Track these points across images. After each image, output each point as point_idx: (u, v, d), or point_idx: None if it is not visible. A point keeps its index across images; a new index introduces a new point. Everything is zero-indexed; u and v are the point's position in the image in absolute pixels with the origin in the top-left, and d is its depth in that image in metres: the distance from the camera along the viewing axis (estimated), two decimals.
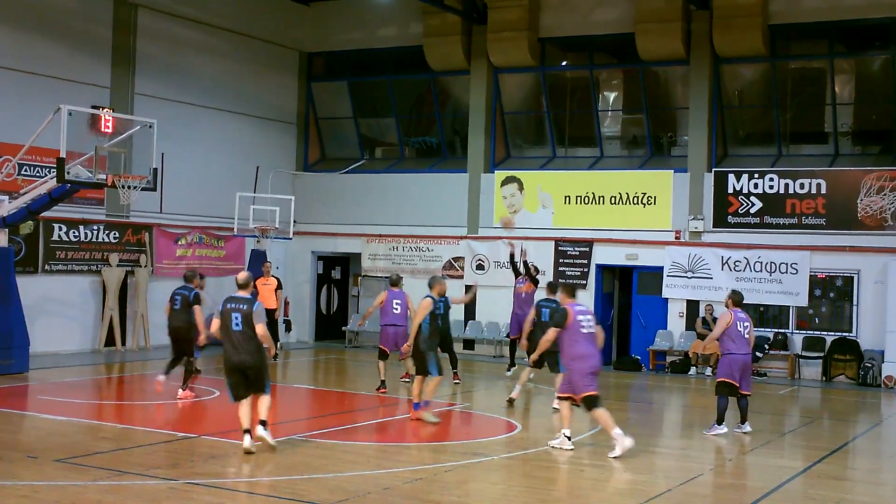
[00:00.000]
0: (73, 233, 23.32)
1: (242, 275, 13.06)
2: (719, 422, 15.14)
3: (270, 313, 23.31)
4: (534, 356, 15.56)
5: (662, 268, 24.59)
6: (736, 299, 15.24)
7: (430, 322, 15.09)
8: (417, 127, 29.97)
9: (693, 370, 23.65)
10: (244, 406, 12.49)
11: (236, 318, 12.53)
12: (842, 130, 24.67)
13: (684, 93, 25.58)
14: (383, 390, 18.20)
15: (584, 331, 13.39)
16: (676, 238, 24.58)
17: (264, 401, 12.58)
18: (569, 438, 13.42)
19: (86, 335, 23.73)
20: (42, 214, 20.49)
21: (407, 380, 19.08)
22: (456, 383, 19.67)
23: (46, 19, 22.92)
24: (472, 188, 26.91)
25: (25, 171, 21.92)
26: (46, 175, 20.49)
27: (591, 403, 13.40)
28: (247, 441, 12.32)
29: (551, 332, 13.60)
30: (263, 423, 12.49)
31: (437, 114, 28.68)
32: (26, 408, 15.85)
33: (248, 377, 12.55)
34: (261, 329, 12.47)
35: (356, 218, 28.22)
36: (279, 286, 23.59)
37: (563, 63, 27.80)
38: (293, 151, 29.57)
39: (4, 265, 19.38)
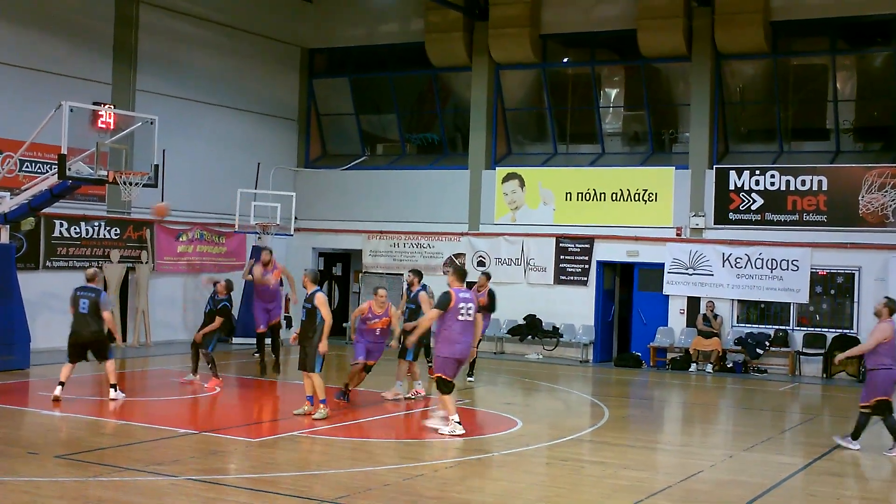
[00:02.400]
0: (75, 229, 23.33)
1: (90, 271, 16.22)
2: (855, 437, 13.97)
3: None
4: (412, 338, 15.04)
5: (663, 264, 24.60)
6: (893, 307, 13.76)
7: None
8: (419, 123, 29.99)
9: (693, 367, 23.65)
10: (69, 368, 15.76)
11: (84, 303, 15.73)
12: (843, 127, 24.67)
13: (686, 89, 25.58)
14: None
15: (461, 318, 13.69)
16: (677, 235, 24.59)
17: (108, 365, 15.92)
18: (459, 423, 13.79)
19: None
20: (43, 211, 20.49)
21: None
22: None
23: (48, 15, 22.92)
24: (474, 185, 26.91)
25: (27, 167, 21.93)
26: (48, 171, 20.53)
27: (444, 387, 13.81)
28: (57, 391, 15.46)
29: (433, 313, 13.78)
30: (114, 385, 15.88)
31: (438, 110, 28.69)
32: (27, 404, 15.85)
33: (86, 350, 15.82)
34: (107, 315, 15.73)
35: (357, 214, 28.24)
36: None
37: (565, 59, 27.80)
38: (294, 148, 29.59)
39: (6, 261, 19.39)
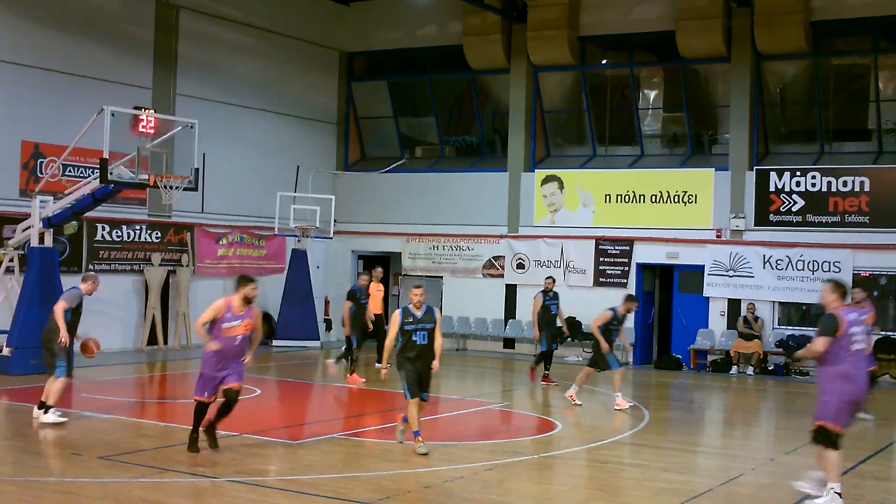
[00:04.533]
0: (116, 233, 23.55)
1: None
2: None
3: (379, 318, 21.70)
4: (801, 354, 11.11)
5: (703, 266, 24.45)
6: None
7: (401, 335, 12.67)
8: (457, 126, 30.00)
9: (734, 369, 23.49)
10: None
11: None
12: (886, 127, 24.40)
13: (725, 90, 25.42)
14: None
15: (855, 347, 10.50)
16: (717, 236, 24.44)
17: (51, 383, 13.94)
18: (839, 495, 10.36)
19: (128, 334, 23.98)
20: (86, 215, 20.72)
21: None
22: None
23: (90, 21, 23.15)
24: (513, 187, 26.89)
25: (69, 171, 22.16)
26: (90, 175, 20.71)
27: (827, 440, 10.50)
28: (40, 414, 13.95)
29: (820, 343, 10.36)
30: (42, 404, 13.95)
31: (476, 113, 28.69)
32: (70, 405, 15.98)
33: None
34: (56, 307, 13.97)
35: (396, 217, 28.29)
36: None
37: (603, 61, 27.72)
38: (333, 151, 29.68)
39: (49, 265, 19.60)
